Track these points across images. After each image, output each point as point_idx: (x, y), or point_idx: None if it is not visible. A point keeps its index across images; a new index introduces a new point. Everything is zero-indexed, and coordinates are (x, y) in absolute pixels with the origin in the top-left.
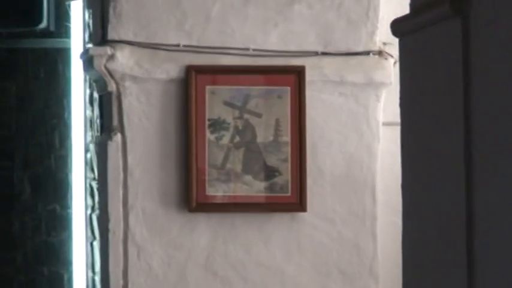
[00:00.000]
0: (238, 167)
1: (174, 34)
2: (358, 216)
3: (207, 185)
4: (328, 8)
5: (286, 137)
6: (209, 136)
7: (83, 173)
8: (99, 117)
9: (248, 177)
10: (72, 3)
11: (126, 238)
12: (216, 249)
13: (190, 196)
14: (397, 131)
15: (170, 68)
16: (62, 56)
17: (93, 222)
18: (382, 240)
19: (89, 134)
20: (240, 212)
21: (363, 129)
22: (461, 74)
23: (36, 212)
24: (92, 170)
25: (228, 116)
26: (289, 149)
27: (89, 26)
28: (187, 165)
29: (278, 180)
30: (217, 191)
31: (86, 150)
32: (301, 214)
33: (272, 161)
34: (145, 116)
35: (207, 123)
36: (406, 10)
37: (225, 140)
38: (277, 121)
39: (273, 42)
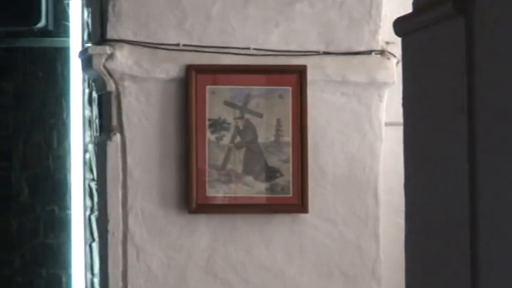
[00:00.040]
0: (239, 168)
1: (174, 33)
2: (360, 217)
3: (207, 186)
4: (330, 6)
5: (288, 137)
6: (209, 136)
7: (82, 173)
8: (98, 117)
9: (249, 178)
10: (70, 2)
11: (125, 239)
12: (216, 250)
13: (191, 197)
14: (399, 131)
15: (170, 68)
16: (60, 55)
17: (92, 224)
18: (384, 242)
19: (88, 134)
20: (241, 213)
21: (365, 129)
22: (464, 73)
23: (34, 213)
24: (91, 170)
25: (228, 116)
26: (290, 149)
27: (87, 25)
28: (187, 166)
29: (279, 181)
30: (217, 191)
31: (85, 151)
32: (303, 215)
33: (273, 161)
34: (144, 116)
35: (207, 123)
36: (408, 9)
37: (226, 140)
38: (279, 121)
39: (274, 41)
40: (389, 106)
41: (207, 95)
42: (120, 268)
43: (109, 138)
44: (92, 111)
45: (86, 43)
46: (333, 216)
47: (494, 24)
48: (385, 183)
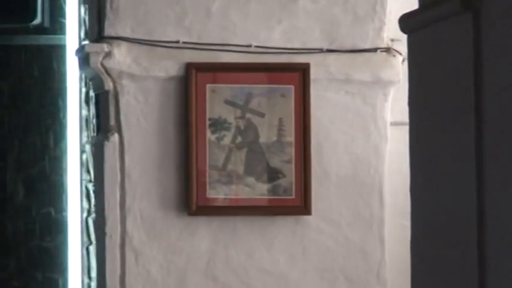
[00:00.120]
0: (240, 169)
1: (173, 30)
2: (365, 219)
3: (207, 187)
4: (333, 3)
5: (290, 137)
6: (210, 136)
7: (79, 174)
8: (95, 116)
9: (250, 179)
10: None
11: (123, 242)
12: (216, 254)
13: (190, 199)
14: (405, 131)
15: (169, 66)
16: (56, 53)
17: (89, 226)
18: (390, 245)
19: (85, 134)
20: (242, 216)
21: (370, 129)
22: (472, 71)
23: (30, 216)
24: (88, 171)
25: (229, 115)
26: (293, 149)
27: (84, 22)
28: (187, 167)
29: (282, 182)
30: (218, 193)
31: (82, 151)
32: (306, 217)
33: (275, 162)
34: (143, 116)
35: (207, 122)
36: (414, 5)
37: (227, 141)
38: (281, 121)
39: (276, 38)
40: (394, 105)
41: (207, 94)
42: (118, 272)
43: (107, 138)
44: (89, 110)
45: (83, 40)
46: (336, 218)
47: (502, 21)
48: (390, 185)
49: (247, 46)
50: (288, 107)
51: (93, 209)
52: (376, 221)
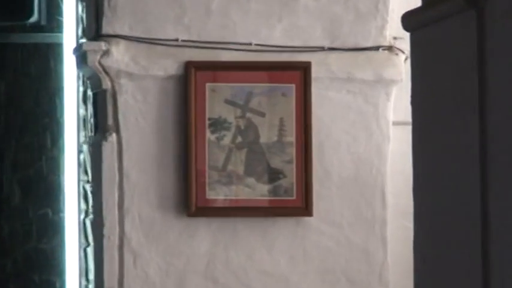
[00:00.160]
0: (240, 169)
1: (172, 28)
2: (367, 220)
3: (207, 188)
4: (335, 0)
5: (291, 137)
6: (209, 136)
7: (76, 175)
8: (93, 116)
9: (251, 180)
10: None
11: (121, 244)
12: (216, 255)
13: (190, 200)
14: (408, 131)
15: (168, 65)
16: (53, 51)
17: (87, 228)
18: (392, 246)
19: (83, 134)
20: (242, 217)
21: (372, 128)
22: (476, 69)
23: (26, 217)
24: (86, 172)
25: (229, 115)
26: (294, 149)
27: (82, 20)
28: (186, 167)
29: (282, 182)
30: (218, 194)
31: (79, 151)
32: (307, 219)
33: (276, 162)
34: (141, 115)
35: (207, 122)
36: (417, 3)
37: (226, 141)
38: (282, 120)
39: (277, 36)
40: (397, 104)
41: (207, 93)
42: (116, 274)
43: (104, 138)
44: (86, 110)
45: (81, 39)
46: (338, 219)
47: (507, 18)
48: (393, 185)
49: (247, 44)
50: (289, 107)
51: (90, 210)
52: (378, 221)
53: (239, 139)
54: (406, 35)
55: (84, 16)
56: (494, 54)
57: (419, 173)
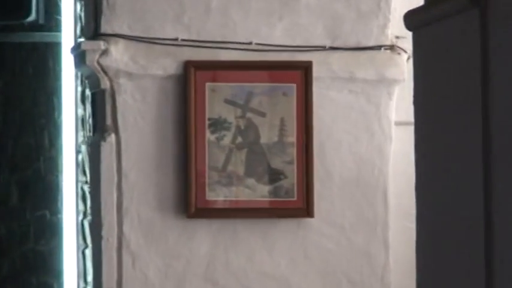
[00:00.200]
0: (241, 170)
1: (172, 27)
2: (368, 221)
3: (207, 189)
4: None
5: (292, 138)
6: (209, 136)
7: (74, 176)
8: (91, 116)
9: (251, 181)
10: None
11: (120, 246)
12: (216, 257)
13: (189, 201)
14: (410, 131)
15: (167, 64)
16: (52, 51)
17: (85, 229)
18: (394, 248)
19: (81, 134)
20: (243, 218)
21: (374, 129)
22: (479, 69)
23: (24, 218)
24: (84, 172)
25: (229, 115)
26: (295, 150)
27: (80, 19)
28: (186, 168)
29: (283, 183)
30: (218, 195)
31: (78, 152)
32: (308, 220)
33: (277, 163)
34: (140, 115)
35: (207, 122)
36: (420, 1)
37: (227, 141)
38: (282, 120)
39: (278, 36)
40: (399, 104)
41: (207, 93)
42: (115, 276)
43: (103, 138)
44: (85, 110)
45: (79, 38)
46: (339, 220)
47: (510, 17)
48: (395, 186)
49: (247, 44)
50: (290, 106)
51: (89, 211)
52: (380, 223)
53: (239, 139)
54: (409, 34)
55: (83, 15)
56: (497, 53)
57: (422, 173)
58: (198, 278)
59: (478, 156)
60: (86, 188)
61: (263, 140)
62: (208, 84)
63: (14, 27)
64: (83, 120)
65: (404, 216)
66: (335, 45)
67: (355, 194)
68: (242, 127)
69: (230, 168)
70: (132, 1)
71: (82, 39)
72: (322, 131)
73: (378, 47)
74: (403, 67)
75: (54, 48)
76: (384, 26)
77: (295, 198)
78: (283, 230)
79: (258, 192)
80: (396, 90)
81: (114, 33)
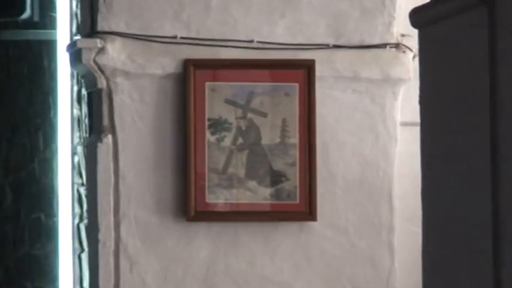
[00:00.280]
0: (241, 172)
1: (171, 25)
2: (373, 225)
3: (206, 192)
4: None
5: (294, 139)
6: (209, 137)
7: (70, 178)
8: (87, 116)
9: (252, 183)
10: None
11: (117, 250)
12: (216, 262)
13: (189, 204)
14: (416, 132)
15: (166, 63)
16: (47, 49)
17: (81, 233)
18: (399, 252)
19: (77, 135)
20: (243, 222)
21: (378, 129)
22: (487, 68)
23: (18, 222)
24: (80, 174)
25: (230, 115)
26: (297, 151)
27: (76, 16)
28: (185, 170)
29: (285, 186)
30: (218, 198)
31: (73, 153)
32: (311, 223)
33: (278, 165)
34: (138, 115)
35: (206, 123)
36: None
37: (227, 142)
38: (284, 121)
39: (280, 33)
40: (404, 104)
41: (207, 93)
42: (112, 281)
43: (100, 139)
44: (81, 110)
45: (75, 36)
46: (343, 224)
47: None
48: (400, 189)
49: (248, 42)
50: (292, 107)
51: (85, 214)
52: (385, 226)
53: (240, 140)
54: (414, 32)
55: (79, 12)
56: (506, 52)
57: (428, 175)
58: (198, 283)
59: (486, 157)
60: (82, 190)
61: (264, 141)
62: (208, 84)
63: (8, 25)
64: (79, 120)
65: (410, 219)
66: (339, 43)
67: (359, 196)
68: (243, 128)
69: (231, 170)
70: None
71: (78, 37)
72: (325, 132)
73: (383, 46)
74: (409, 66)
75: (49, 46)
76: (389, 24)
77: (297, 201)
78: (286, 234)
79: (260, 194)
80: (401, 90)
81: (111, 30)
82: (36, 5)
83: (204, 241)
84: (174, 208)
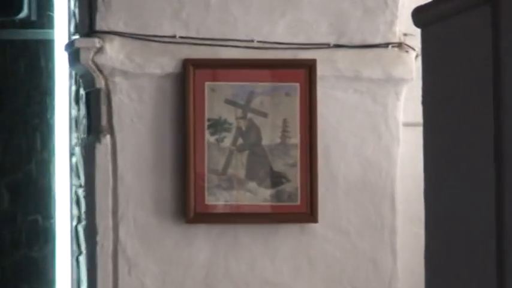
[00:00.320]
0: (242, 173)
1: (170, 24)
2: (375, 227)
3: (206, 193)
4: None
5: (295, 139)
6: (209, 138)
7: (68, 179)
8: (85, 116)
9: (252, 184)
10: None
11: (116, 252)
12: (216, 264)
13: (188, 205)
14: (418, 132)
15: (165, 62)
16: (44, 48)
17: (79, 235)
18: (402, 254)
19: (75, 135)
20: (244, 223)
21: (380, 130)
22: (491, 67)
23: (15, 224)
24: (78, 176)
25: (229, 115)
26: (298, 152)
27: (74, 15)
28: (184, 171)
29: (286, 187)
30: (217, 199)
31: (71, 154)
32: (312, 225)
33: (279, 165)
34: (137, 116)
35: (206, 123)
36: None
37: (227, 143)
38: (285, 121)
39: (280, 33)
40: (407, 105)
41: (206, 93)
42: (110, 284)
43: (98, 140)
44: (79, 110)
45: (73, 35)
46: (345, 226)
47: None
48: (403, 190)
49: (249, 41)
50: (293, 107)
51: (83, 216)
52: (387, 228)
53: (240, 141)
54: (417, 32)
55: (77, 11)
56: (510, 51)
57: (431, 176)
58: (197, 285)
59: (490, 157)
60: (80, 191)
61: (265, 141)
62: (207, 84)
63: (5, 24)
64: (76, 121)
65: (412, 220)
66: (340, 42)
67: (361, 198)
68: (243, 128)
69: (230, 171)
70: None
71: (76, 37)
72: (326, 132)
73: (385, 45)
74: (411, 66)
75: (46, 45)
76: (392, 23)
77: (298, 203)
78: (286, 236)
79: (260, 196)
80: (404, 90)
81: (109, 30)
82: (33, 4)
83: (203, 243)
84: (173, 209)
